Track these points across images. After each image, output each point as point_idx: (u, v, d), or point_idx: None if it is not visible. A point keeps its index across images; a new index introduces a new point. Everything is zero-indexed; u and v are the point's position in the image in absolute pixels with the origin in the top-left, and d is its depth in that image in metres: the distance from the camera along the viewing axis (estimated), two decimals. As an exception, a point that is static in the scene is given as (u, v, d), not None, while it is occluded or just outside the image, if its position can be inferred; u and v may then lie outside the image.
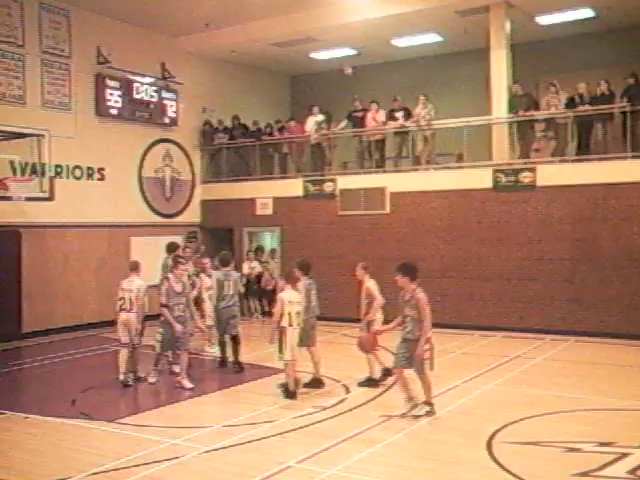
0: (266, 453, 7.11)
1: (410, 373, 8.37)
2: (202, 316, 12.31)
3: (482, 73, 16.48)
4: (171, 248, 12.17)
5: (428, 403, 8.32)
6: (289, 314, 9.20)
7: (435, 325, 14.56)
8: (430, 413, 8.24)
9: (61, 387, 10.39)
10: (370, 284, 10.15)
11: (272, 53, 19.22)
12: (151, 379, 10.28)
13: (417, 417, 8.12)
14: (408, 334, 8.20)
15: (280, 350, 9.22)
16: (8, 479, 6.43)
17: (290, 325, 9.21)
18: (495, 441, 7.28)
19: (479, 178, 15.16)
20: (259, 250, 17.86)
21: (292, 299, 9.34)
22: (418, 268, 8.34)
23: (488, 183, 15.04)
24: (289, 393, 9.30)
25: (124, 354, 10.36)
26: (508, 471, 6.40)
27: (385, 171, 16.82)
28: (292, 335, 9.23)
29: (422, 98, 16.40)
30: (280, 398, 9.25)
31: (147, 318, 10.64)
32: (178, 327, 9.94)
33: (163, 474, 6.56)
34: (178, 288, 10.10)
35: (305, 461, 6.81)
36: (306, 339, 9.69)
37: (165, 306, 9.98)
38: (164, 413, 8.85)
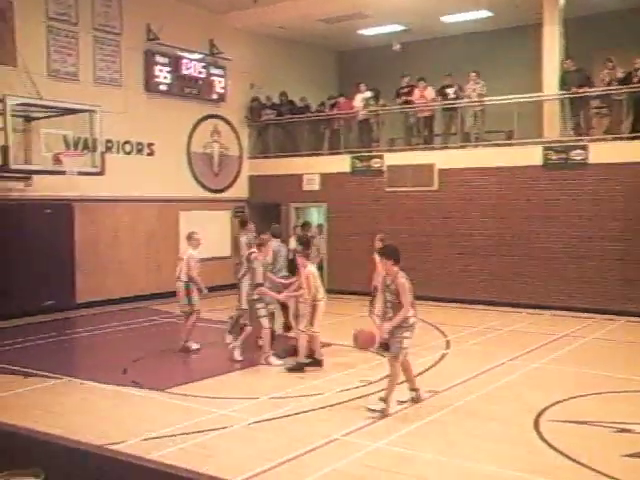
0: (312, 425, 7.20)
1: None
2: None
3: (533, 49, 16.15)
4: (243, 224, 12.31)
5: (413, 389, 7.94)
6: (319, 287, 9.50)
7: (482, 302, 14.81)
8: (416, 400, 7.86)
9: (113, 356, 10.66)
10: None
11: (320, 29, 19.10)
12: (276, 361, 9.87)
13: (402, 402, 7.76)
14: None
15: (311, 323, 9.44)
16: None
17: (323, 298, 9.50)
18: (543, 419, 7.23)
19: (529, 155, 14.91)
20: (306, 225, 17.88)
21: (316, 273, 9.66)
22: (400, 251, 7.77)
23: (538, 161, 14.79)
24: (308, 364, 9.49)
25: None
26: (556, 449, 6.36)
27: (433, 148, 16.67)
28: (322, 308, 9.49)
29: (473, 74, 16.16)
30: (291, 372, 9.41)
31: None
32: (282, 296, 10.31)
33: (211, 443, 6.70)
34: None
35: (351, 434, 6.88)
36: None
37: (261, 285, 9.93)
38: (212, 384, 9.00)
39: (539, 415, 7.35)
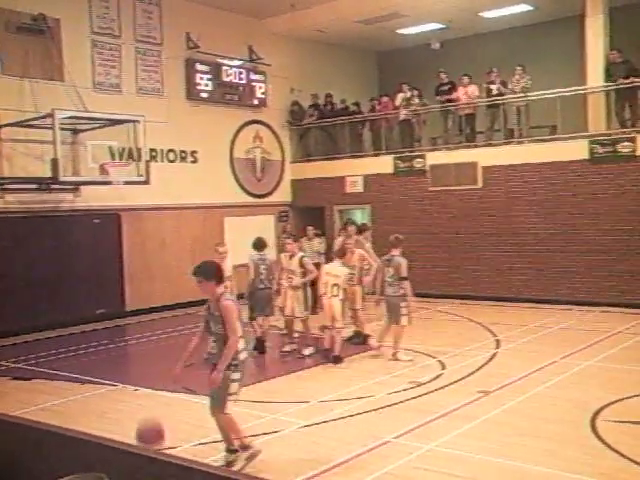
0: (363, 428, 7.19)
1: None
2: None
3: (576, 41, 15.88)
4: (362, 228, 12.68)
5: (243, 447, 6.29)
6: (325, 283, 10.29)
7: (530, 300, 14.59)
8: (252, 457, 6.26)
9: (164, 362, 10.72)
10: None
11: (358, 30, 19.07)
12: (404, 357, 10.09)
13: (230, 464, 6.23)
14: (216, 357, 6.09)
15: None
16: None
17: (325, 294, 10.30)
18: (599, 419, 7.08)
19: (574, 150, 14.65)
20: (347, 224, 17.68)
21: (331, 271, 10.39)
22: (220, 268, 6.31)
23: (584, 155, 14.52)
24: None
25: None
26: (615, 451, 6.21)
27: (476, 145, 16.51)
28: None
29: (519, 69, 15.95)
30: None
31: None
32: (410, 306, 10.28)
33: (263, 447, 6.72)
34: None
35: (402, 436, 6.85)
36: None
37: (405, 279, 10.07)
38: (262, 388, 9.04)
39: (595, 415, 7.20)
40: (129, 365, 11.77)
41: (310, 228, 15.43)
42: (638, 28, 16.27)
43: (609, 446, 6.34)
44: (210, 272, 6.07)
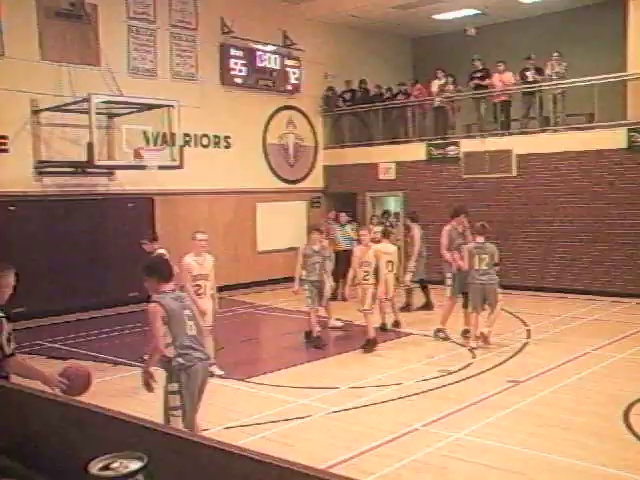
0: (392, 415, 7.21)
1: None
2: None
3: (617, 26, 15.53)
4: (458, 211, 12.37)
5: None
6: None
7: (563, 290, 14.42)
8: None
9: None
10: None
11: (394, 16, 18.89)
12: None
13: None
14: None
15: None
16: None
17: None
18: (632, 412, 6.98)
19: (612, 138, 14.37)
20: (385, 214, 17.71)
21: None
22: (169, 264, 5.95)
23: (622, 143, 14.24)
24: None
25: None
26: (648, 444, 6.15)
27: (511, 133, 16.29)
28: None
29: (555, 55, 15.66)
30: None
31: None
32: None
33: (292, 432, 6.80)
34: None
35: (431, 424, 6.85)
36: None
37: (498, 265, 10.41)
38: (292, 373, 9.12)
39: (627, 408, 7.10)
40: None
41: (343, 214, 15.44)
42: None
43: (642, 440, 6.27)
44: (153, 270, 5.66)
